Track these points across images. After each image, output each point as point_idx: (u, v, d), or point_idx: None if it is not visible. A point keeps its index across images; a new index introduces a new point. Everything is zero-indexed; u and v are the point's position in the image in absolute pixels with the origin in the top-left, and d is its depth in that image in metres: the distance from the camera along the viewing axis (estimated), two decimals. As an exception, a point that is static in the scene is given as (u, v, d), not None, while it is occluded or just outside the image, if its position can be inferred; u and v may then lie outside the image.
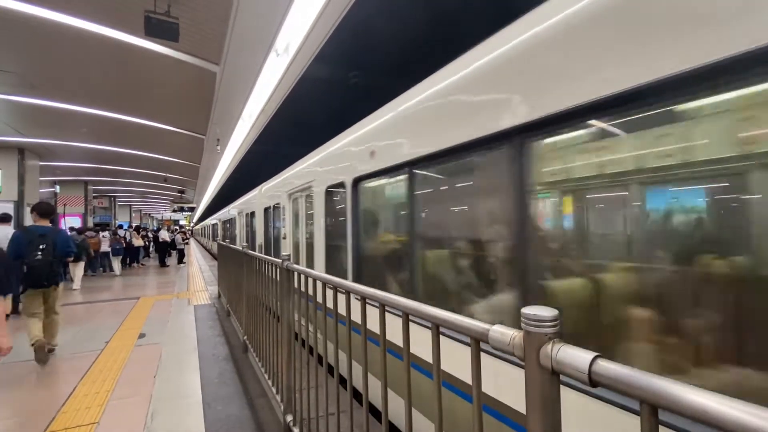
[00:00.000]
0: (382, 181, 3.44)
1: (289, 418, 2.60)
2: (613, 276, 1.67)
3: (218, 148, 11.16)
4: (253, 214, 9.50)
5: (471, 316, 1.10)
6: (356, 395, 2.43)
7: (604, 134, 1.70)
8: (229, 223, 14.97)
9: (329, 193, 4.39)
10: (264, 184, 8.48)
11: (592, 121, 1.70)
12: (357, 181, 3.64)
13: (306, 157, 5.43)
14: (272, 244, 7.45)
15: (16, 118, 8.34)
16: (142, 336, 5.35)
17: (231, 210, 14.11)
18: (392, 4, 7.34)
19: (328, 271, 4.38)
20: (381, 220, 3.64)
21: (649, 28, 1.41)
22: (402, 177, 2.98)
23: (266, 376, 3.33)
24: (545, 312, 0.73)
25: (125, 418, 3.06)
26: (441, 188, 2.84)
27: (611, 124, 1.66)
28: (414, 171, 2.86)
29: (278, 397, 2.89)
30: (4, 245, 3.90)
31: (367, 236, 3.66)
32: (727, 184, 1.42)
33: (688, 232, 1.51)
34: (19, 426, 3.00)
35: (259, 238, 8.60)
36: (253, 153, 12.79)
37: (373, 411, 2.73)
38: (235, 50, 5.28)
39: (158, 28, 4.23)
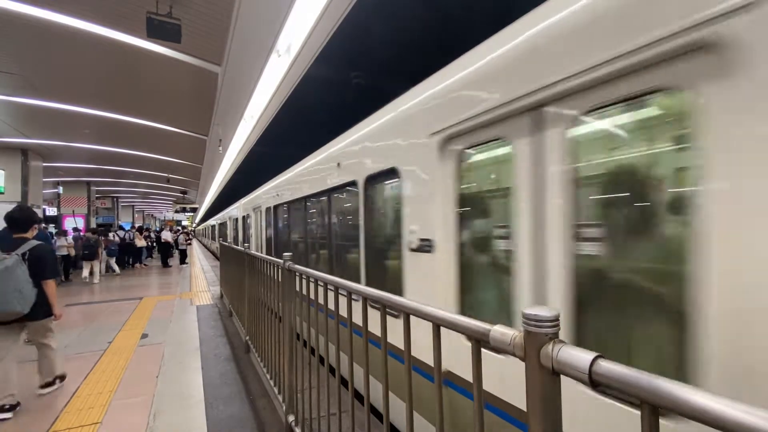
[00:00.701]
0: (284, 207, 6.85)
1: (291, 418, 2.61)
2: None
3: (220, 148, 11.19)
4: (236, 219, 13.64)
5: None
6: (358, 395, 2.43)
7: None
8: (222, 225, 19.47)
9: (268, 210, 7.96)
10: (243, 198, 12.18)
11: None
12: (274, 206, 7.47)
13: (259, 187, 9.30)
14: (246, 240, 11.05)
15: (19, 120, 8.38)
16: (144, 336, 5.37)
17: (224, 215, 18.63)
18: (393, 4, 7.35)
19: (268, 252, 7.66)
20: (281, 227, 7.22)
21: None
22: (285, 207, 6.76)
23: (268, 377, 3.34)
24: (546, 312, 0.73)
25: (128, 419, 3.07)
26: (301, 211, 5.86)
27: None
28: (288, 204, 6.41)
29: (280, 398, 2.90)
30: None
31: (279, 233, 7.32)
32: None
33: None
34: (22, 426, 3.02)
35: (240, 236, 12.52)
36: (255, 153, 12.82)
37: (374, 411, 2.73)
38: (237, 51, 5.29)
39: (160, 29, 4.25)
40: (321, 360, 2.23)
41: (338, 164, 4.11)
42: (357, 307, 1.60)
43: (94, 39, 4.95)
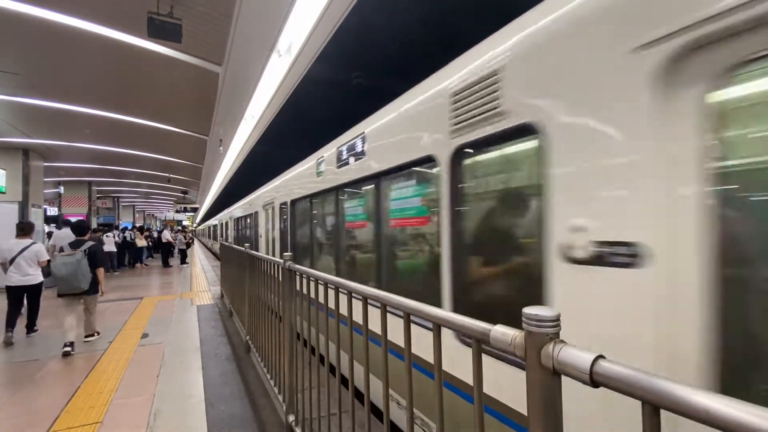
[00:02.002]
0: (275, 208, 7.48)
1: (291, 418, 2.61)
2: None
3: (221, 148, 11.19)
4: (237, 219, 13.71)
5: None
6: (359, 395, 2.43)
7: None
8: (222, 226, 19.65)
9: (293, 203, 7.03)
10: (238, 202, 13.43)
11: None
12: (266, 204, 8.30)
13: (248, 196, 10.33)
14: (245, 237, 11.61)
15: (20, 120, 8.39)
16: (145, 336, 5.37)
17: (223, 216, 19.63)
18: (394, 4, 7.34)
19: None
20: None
21: None
22: (278, 207, 7.17)
23: (268, 376, 3.34)
24: (546, 312, 0.73)
25: (128, 418, 3.07)
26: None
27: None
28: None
29: (280, 397, 2.90)
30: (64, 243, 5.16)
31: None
32: None
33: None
34: (22, 425, 3.02)
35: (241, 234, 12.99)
36: (257, 153, 12.82)
37: (375, 411, 2.73)
38: (238, 51, 5.29)
39: (161, 29, 4.25)
40: (321, 360, 2.23)
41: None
42: (357, 306, 1.60)
43: (95, 39, 4.96)
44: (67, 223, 9.24)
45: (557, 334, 0.73)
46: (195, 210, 35.64)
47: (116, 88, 6.79)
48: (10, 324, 5.16)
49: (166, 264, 15.34)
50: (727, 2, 1.11)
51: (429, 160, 2.54)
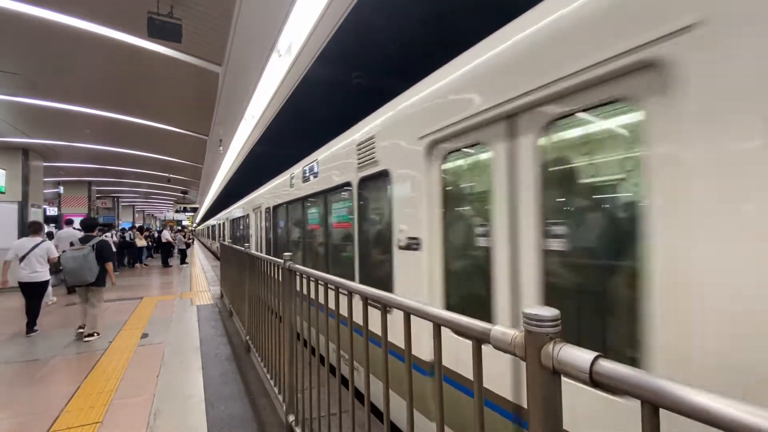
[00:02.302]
0: (259, 212, 9.17)
1: (291, 418, 2.61)
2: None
3: (221, 148, 11.19)
4: (233, 220, 15.01)
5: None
6: (359, 395, 2.43)
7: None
8: (220, 226, 21.49)
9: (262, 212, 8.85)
10: (233, 204, 15.34)
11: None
12: (255, 208, 9.61)
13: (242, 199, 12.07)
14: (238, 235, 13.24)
15: (20, 120, 8.39)
16: (145, 336, 5.37)
17: (221, 216, 21.21)
18: (394, 4, 7.34)
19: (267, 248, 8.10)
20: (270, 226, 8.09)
21: None
22: (264, 211, 8.51)
23: (268, 376, 3.34)
24: (546, 312, 0.73)
25: (128, 418, 3.07)
26: (282, 214, 7.13)
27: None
28: (268, 208, 7.97)
29: (280, 397, 2.90)
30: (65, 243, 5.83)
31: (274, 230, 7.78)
32: None
33: None
34: (22, 425, 3.02)
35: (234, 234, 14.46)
36: (256, 153, 12.83)
37: (376, 411, 2.73)
38: (238, 51, 5.29)
39: (161, 29, 4.25)
40: (321, 360, 2.23)
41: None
42: (357, 306, 1.60)
43: (95, 39, 4.96)
44: (69, 223, 9.80)
45: (557, 334, 0.73)
46: (195, 210, 35.62)
47: (116, 88, 6.79)
48: (32, 321, 5.63)
49: (165, 264, 15.34)
50: (440, 126, 2.43)
51: (348, 185, 3.87)
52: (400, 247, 2.84)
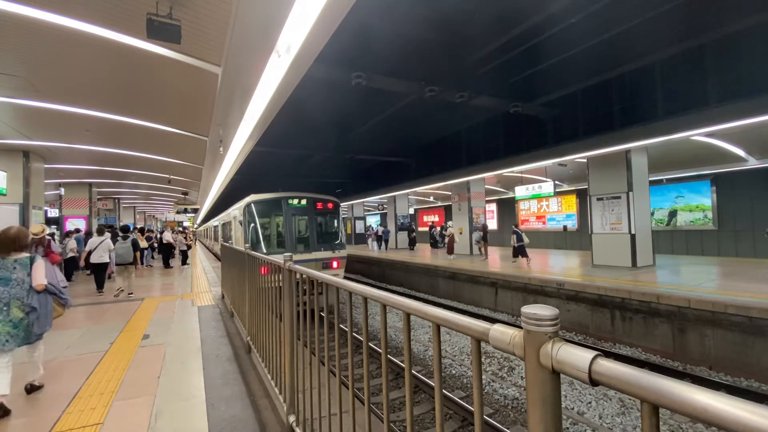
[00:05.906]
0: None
1: (292, 418, 2.61)
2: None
3: (221, 149, 11.19)
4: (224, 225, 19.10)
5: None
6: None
7: None
8: (217, 228, 25.72)
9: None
10: (226, 210, 18.53)
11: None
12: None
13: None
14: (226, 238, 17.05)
15: (20, 121, 8.40)
16: (146, 337, 5.38)
17: (220, 218, 25.61)
18: (394, 5, 7.34)
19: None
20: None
21: None
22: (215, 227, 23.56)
23: (269, 377, 3.34)
24: (545, 311, 0.73)
25: (129, 419, 3.07)
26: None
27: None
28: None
29: (281, 398, 2.90)
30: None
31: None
32: None
33: None
34: (23, 426, 3.03)
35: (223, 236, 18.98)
36: (257, 153, 12.86)
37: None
38: (236, 52, 5.29)
39: (160, 30, 4.25)
40: (322, 360, 2.23)
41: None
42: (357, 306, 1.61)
43: (94, 40, 4.96)
44: (93, 232, 12.77)
45: (556, 333, 0.73)
46: (195, 211, 35.62)
47: (116, 89, 6.79)
48: (100, 286, 9.40)
49: (167, 265, 15.37)
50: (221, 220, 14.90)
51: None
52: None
